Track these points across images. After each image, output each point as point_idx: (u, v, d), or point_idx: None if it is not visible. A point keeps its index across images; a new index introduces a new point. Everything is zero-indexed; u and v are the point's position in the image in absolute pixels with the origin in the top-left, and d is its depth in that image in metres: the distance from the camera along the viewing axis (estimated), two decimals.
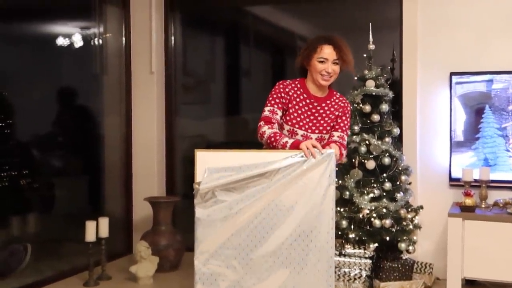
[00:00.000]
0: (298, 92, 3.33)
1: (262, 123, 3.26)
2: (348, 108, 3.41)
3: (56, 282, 4.70)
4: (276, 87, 3.34)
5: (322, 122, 3.33)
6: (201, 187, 3.06)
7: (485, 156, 4.59)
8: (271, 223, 3.03)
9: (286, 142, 3.12)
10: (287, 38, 5.86)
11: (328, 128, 3.34)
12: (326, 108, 3.34)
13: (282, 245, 3.02)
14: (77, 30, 5.34)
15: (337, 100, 3.39)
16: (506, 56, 4.58)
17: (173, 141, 5.79)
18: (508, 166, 4.53)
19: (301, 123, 3.30)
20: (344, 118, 3.38)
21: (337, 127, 3.36)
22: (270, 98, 3.32)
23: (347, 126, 3.39)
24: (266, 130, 3.21)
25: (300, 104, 3.31)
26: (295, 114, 3.30)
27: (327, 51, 3.24)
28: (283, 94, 3.30)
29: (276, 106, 3.29)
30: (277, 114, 3.28)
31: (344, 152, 3.31)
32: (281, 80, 3.39)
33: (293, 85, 3.34)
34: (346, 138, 3.37)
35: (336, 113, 3.36)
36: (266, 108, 3.30)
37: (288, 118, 3.30)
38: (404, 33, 4.86)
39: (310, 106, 3.32)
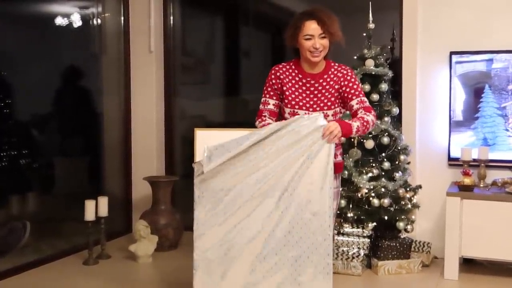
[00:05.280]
0: (293, 74, 3.31)
1: (256, 117, 3.37)
2: (350, 73, 3.29)
3: (55, 261, 4.72)
4: (269, 74, 3.37)
5: (322, 98, 3.27)
6: (205, 169, 3.06)
7: (484, 136, 4.58)
8: (269, 202, 3.04)
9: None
10: (287, 18, 5.80)
11: (329, 103, 3.26)
12: (324, 83, 3.28)
13: (280, 223, 3.04)
14: (75, 9, 5.30)
15: (335, 72, 3.30)
16: (506, 35, 4.55)
17: (172, 121, 5.78)
18: (507, 146, 4.52)
19: (300, 103, 3.28)
20: (351, 84, 3.25)
21: (349, 96, 3.24)
22: (264, 88, 3.38)
23: (359, 89, 3.26)
24: (257, 125, 3.31)
25: (297, 86, 3.30)
26: (293, 96, 3.29)
27: (312, 27, 3.17)
28: (273, 81, 3.33)
29: (268, 95, 3.36)
30: (268, 104, 3.34)
31: (372, 117, 3.17)
32: (279, 61, 3.40)
33: (286, 68, 3.34)
34: (365, 99, 3.25)
35: (336, 86, 3.27)
36: (261, 100, 3.38)
37: (286, 101, 3.29)
38: (404, 12, 4.82)
39: (308, 85, 3.29)
